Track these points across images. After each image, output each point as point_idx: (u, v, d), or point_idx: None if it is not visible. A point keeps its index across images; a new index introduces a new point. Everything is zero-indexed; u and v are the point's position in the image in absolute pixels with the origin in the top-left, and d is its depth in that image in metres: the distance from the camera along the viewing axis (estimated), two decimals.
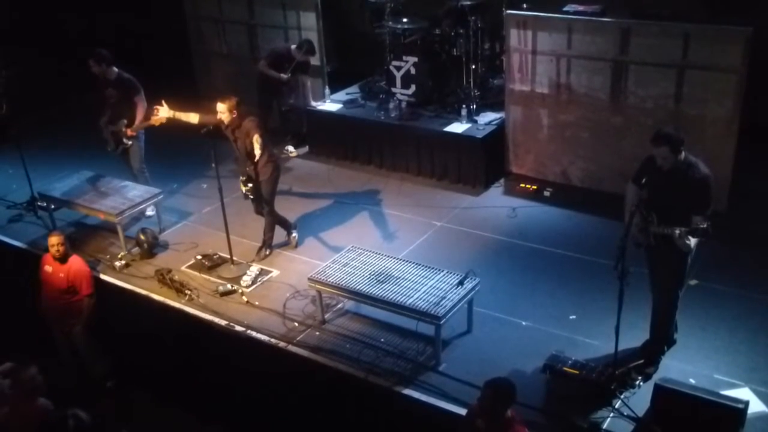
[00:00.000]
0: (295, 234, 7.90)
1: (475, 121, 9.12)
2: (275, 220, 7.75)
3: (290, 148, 10.19)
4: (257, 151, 7.08)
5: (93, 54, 8.29)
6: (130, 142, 8.48)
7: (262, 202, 7.57)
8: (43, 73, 12.00)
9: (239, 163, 7.55)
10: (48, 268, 6.84)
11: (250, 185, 7.30)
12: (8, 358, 5.79)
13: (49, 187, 8.62)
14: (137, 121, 8.32)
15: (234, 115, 7.16)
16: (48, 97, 11.71)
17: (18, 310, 7.46)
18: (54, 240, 6.76)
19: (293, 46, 9.67)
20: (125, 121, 8.38)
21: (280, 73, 9.52)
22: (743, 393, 5.49)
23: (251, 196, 7.42)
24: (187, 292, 7.16)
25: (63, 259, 6.76)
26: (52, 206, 8.51)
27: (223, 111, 7.14)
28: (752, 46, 7.11)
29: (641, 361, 5.85)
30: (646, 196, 5.34)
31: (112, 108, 8.47)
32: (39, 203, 8.76)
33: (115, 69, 8.40)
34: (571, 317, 6.56)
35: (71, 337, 6.99)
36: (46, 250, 6.89)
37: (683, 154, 5.32)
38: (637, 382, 5.66)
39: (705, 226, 5.12)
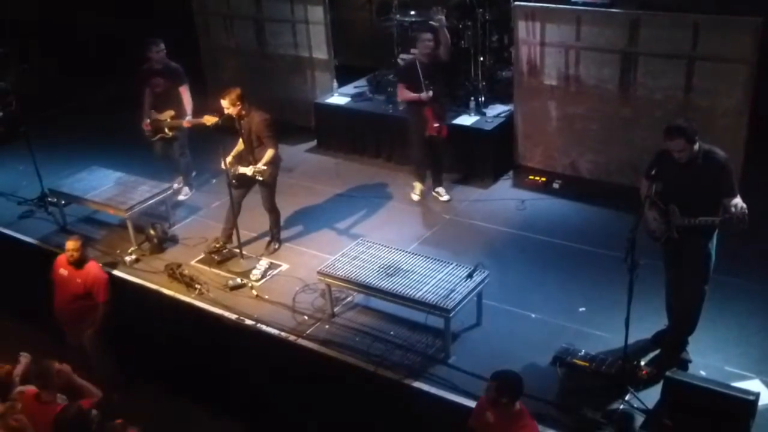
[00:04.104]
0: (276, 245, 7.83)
1: (484, 114, 9.10)
2: (278, 215, 7.76)
3: (441, 190, 8.55)
4: (267, 157, 7.18)
5: (151, 42, 8.42)
6: (171, 134, 8.60)
7: (262, 199, 7.58)
8: (52, 70, 12.08)
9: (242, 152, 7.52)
10: (63, 272, 6.85)
11: (262, 168, 7.20)
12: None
13: (59, 183, 8.66)
14: (187, 111, 8.44)
15: (239, 106, 7.17)
16: (57, 94, 11.77)
17: (30, 307, 7.51)
18: (69, 245, 6.75)
19: (429, 33, 7.98)
20: (172, 112, 8.49)
21: (419, 93, 7.98)
22: (754, 385, 5.48)
23: (259, 178, 7.27)
24: (197, 286, 7.19)
25: (79, 264, 6.77)
26: (63, 202, 8.55)
27: (228, 106, 7.16)
28: (762, 36, 7.06)
29: (663, 353, 5.86)
30: (660, 189, 5.32)
31: (157, 96, 8.58)
32: (49, 199, 8.81)
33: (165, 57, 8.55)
34: (580, 309, 6.55)
35: (83, 339, 7.00)
36: (58, 246, 6.90)
37: (698, 143, 5.30)
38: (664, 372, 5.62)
39: (741, 210, 5.13)
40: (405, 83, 8.09)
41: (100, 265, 7.09)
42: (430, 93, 7.86)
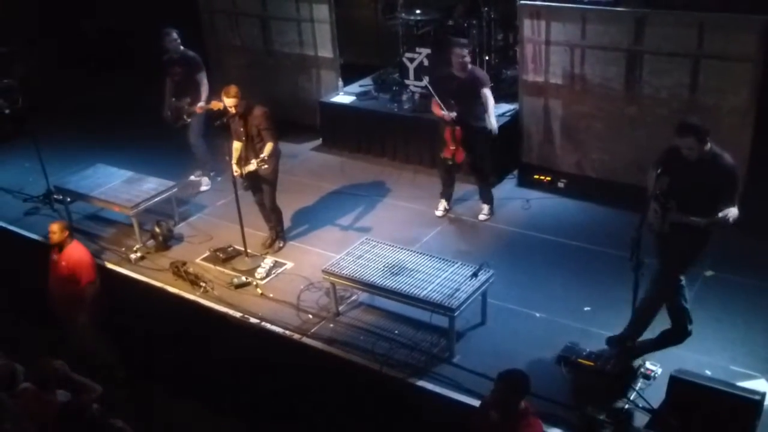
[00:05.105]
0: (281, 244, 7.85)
1: None
2: (281, 213, 7.76)
3: (442, 204, 8.17)
4: (268, 149, 7.17)
5: (167, 32, 8.63)
6: (189, 120, 8.77)
7: (264, 196, 7.58)
8: (58, 67, 12.10)
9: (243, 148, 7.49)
10: (54, 256, 6.93)
11: (264, 157, 7.18)
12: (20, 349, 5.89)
13: (64, 180, 8.69)
14: (202, 98, 8.62)
15: (243, 100, 7.22)
16: (63, 90, 11.79)
17: (33, 304, 7.52)
18: (50, 227, 6.84)
19: (458, 48, 7.48)
20: (189, 99, 8.68)
21: (450, 111, 7.55)
22: (760, 384, 5.47)
23: (264, 166, 7.23)
24: (201, 284, 7.20)
25: (60, 246, 6.82)
26: (68, 199, 8.57)
27: (234, 103, 7.17)
28: None
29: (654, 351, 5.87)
30: (666, 186, 5.31)
31: (176, 84, 8.80)
32: (55, 196, 8.83)
33: (181, 47, 8.72)
34: (585, 309, 6.55)
35: (77, 326, 7.03)
36: None
37: (709, 144, 5.29)
38: (654, 375, 5.64)
39: (727, 217, 5.14)
40: (443, 99, 7.65)
41: (86, 248, 7.07)
42: (453, 114, 7.50)
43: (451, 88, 7.64)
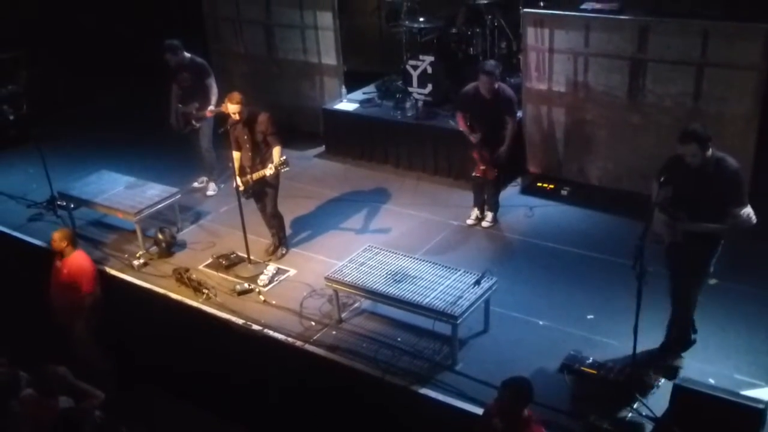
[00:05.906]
0: (284, 250, 7.84)
1: None
2: (282, 219, 7.77)
3: (488, 215, 8.11)
4: (275, 156, 7.16)
5: (167, 48, 8.63)
6: (198, 125, 8.81)
7: (267, 200, 7.58)
8: (63, 73, 12.13)
9: (243, 155, 7.47)
10: (57, 263, 6.95)
11: (282, 159, 7.16)
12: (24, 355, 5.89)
13: (68, 186, 8.69)
14: (212, 102, 8.67)
15: (246, 107, 7.23)
16: (68, 96, 11.83)
17: (36, 307, 7.53)
18: (53, 236, 6.87)
19: (484, 75, 7.42)
20: (197, 105, 8.71)
21: (474, 133, 7.70)
22: (764, 393, 5.43)
23: (285, 168, 7.22)
24: (204, 291, 7.20)
25: (62, 254, 6.84)
26: (72, 205, 8.57)
27: (236, 110, 7.17)
28: None
29: (663, 361, 5.84)
30: (670, 194, 5.31)
31: (184, 90, 8.83)
32: (59, 202, 8.84)
33: (187, 54, 8.75)
34: (588, 317, 6.53)
35: (75, 333, 7.02)
36: None
37: (711, 150, 5.30)
38: (657, 383, 5.63)
39: (749, 216, 5.19)
40: (461, 111, 7.84)
41: (89, 258, 7.06)
42: (478, 136, 7.62)
43: (477, 108, 7.66)
